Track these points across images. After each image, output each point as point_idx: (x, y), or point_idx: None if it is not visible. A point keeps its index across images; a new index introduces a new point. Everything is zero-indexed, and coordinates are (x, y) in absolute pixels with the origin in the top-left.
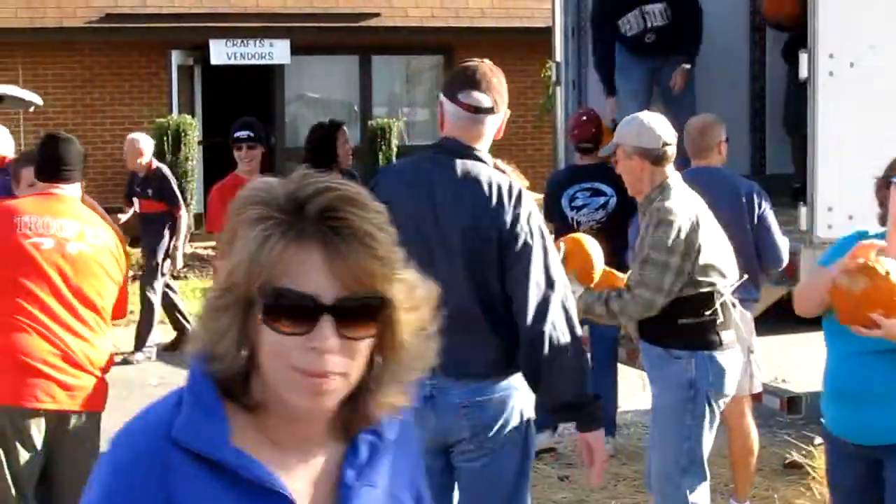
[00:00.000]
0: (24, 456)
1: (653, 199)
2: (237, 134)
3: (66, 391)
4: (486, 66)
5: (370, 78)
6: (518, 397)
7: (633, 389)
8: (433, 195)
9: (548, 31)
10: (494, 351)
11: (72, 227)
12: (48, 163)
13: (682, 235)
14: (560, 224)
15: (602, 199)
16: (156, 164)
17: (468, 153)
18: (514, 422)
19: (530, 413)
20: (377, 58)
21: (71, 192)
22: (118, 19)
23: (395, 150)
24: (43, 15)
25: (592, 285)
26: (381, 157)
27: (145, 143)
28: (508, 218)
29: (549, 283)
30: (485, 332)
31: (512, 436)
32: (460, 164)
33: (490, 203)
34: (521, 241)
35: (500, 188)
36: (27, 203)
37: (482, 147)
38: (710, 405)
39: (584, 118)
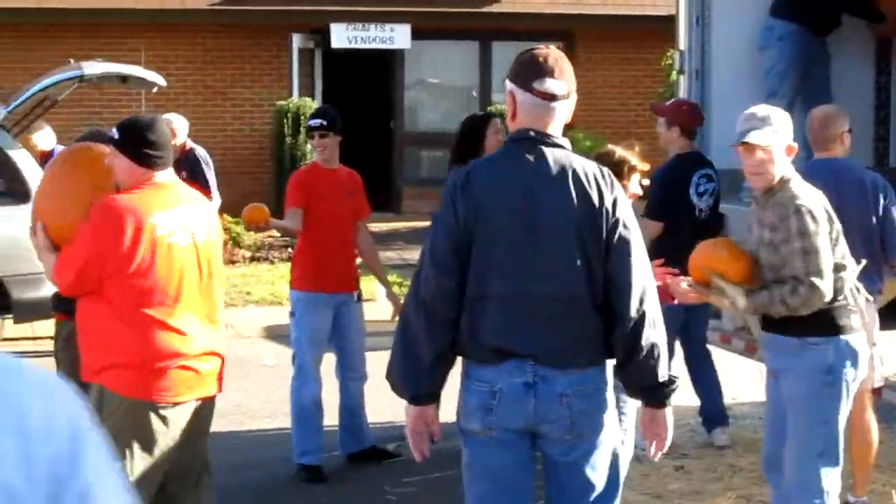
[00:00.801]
0: (167, 447)
1: (777, 191)
2: (310, 122)
3: (207, 378)
4: (556, 53)
5: (490, 64)
6: (610, 387)
7: (749, 381)
8: (532, 186)
9: (667, 20)
10: (598, 338)
11: (193, 216)
12: (154, 148)
13: (823, 221)
14: (683, 214)
15: (714, 185)
16: (190, 145)
17: (550, 142)
18: (610, 410)
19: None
20: (497, 44)
21: (173, 176)
22: (240, 2)
23: None
24: None
25: (745, 283)
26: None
27: (179, 124)
28: (609, 203)
29: (647, 267)
30: (591, 319)
31: (607, 424)
32: (549, 153)
33: (591, 189)
34: (621, 225)
35: (595, 175)
36: (147, 199)
37: (557, 133)
38: (847, 390)
39: (685, 108)
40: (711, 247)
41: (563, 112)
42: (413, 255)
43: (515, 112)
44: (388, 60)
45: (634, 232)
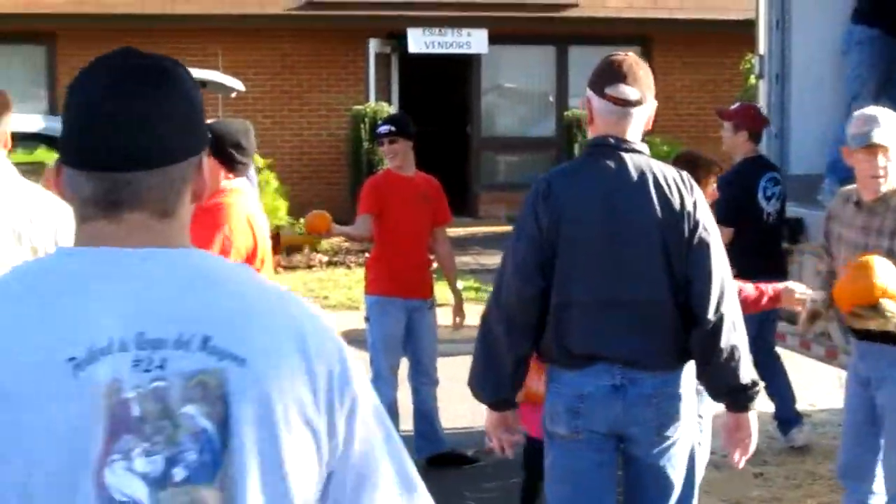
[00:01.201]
0: None
1: (892, 196)
2: (378, 129)
3: None
4: (632, 59)
5: (566, 68)
6: (692, 388)
7: (828, 388)
8: (613, 192)
9: (745, 24)
10: (681, 340)
11: (263, 220)
12: (244, 154)
13: None
14: (751, 218)
15: (780, 189)
16: None
17: (628, 147)
18: (692, 411)
19: None
20: (574, 48)
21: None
22: (317, 7)
23: None
24: (244, 2)
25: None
26: (576, 147)
27: None
28: (689, 206)
29: (726, 270)
30: (674, 322)
31: (690, 426)
32: (628, 159)
33: (671, 193)
34: (701, 229)
35: (675, 178)
36: (247, 203)
37: (635, 139)
38: None
39: (753, 112)
40: (879, 268)
41: (640, 117)
42: (490, 259)
43: (593, 118)
44: (464, 65)
45: (714, 235)
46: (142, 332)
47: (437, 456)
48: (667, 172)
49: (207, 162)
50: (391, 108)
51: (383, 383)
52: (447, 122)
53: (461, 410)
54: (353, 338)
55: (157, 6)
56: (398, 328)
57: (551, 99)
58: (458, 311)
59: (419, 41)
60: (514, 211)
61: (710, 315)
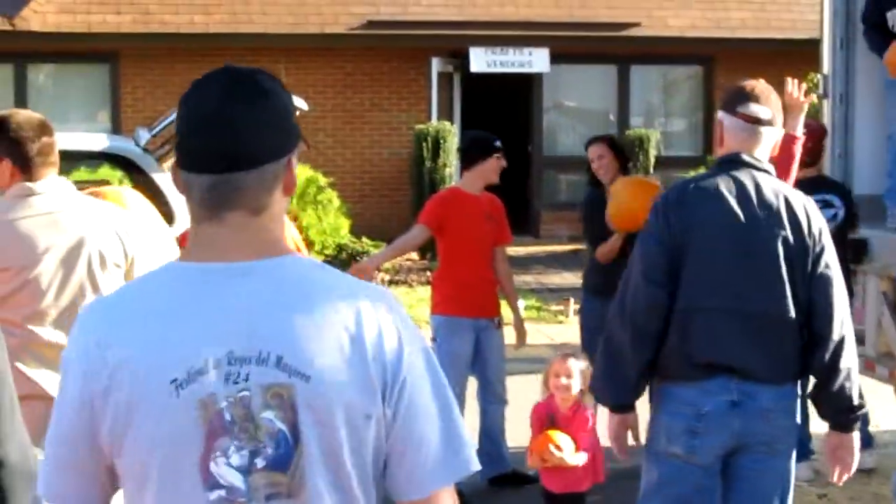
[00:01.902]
0: None
1: None
2: (495, 143)
3: None
4: (763, 83)
5: (628, 87)
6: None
7: (893, 409)
8: (746, 206)
9: (809, 43)
10: (799, 355)
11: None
12: None
13: None
14: None
15: (832, 211)
16: None
17: (759, 166)
18: (798, 424)
19: None
20: (636, 67)
21: None
22: (379, 26)
23: (652, 160)
24: (305, 21)
25: None
26: (638, 167)
27: None
28: (816, 231)
29: (841, 290)
30: (794, 338)
31: (795, 438)
32: (760, 178)
33: (801, 217)
34: (826, 250)
35: (805, 203)
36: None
37: (764, 159)
38: None
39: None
40: None
41: (770, 138)
42: (551, 279)
43: (723, 138)
44: (526, 84)
45: (835, 261)
46: (232, 351)
47: (499, 476)
48: (796, 196)
49: (295, 160)
50: (453, 127)
51: None
52: (508, 141)
53: (524, 430)
54: None
55: (221, 25)
56: (466, 348)
57: (612, 118)
58: (519, 330)
59: (481, 60)
60: (575, 230)
61: (834, 336)
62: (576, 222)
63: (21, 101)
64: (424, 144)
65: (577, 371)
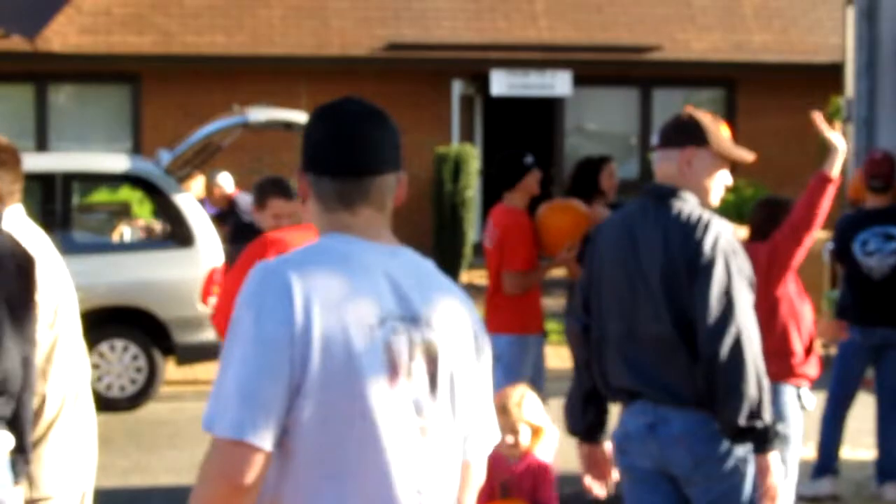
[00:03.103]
0: None
1: None
2: (528, 160)
3: None
4: (688, 113)
5: (650, 110)
6: None
7: None
8: (633, 236)
9: (832, 67)
10: (702, 381)
11: None
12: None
13: None
14: (851, 270)
15: (895, 245)
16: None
17: (667, 192)
18: (740, 452)
19: None
20: (658, 90)
21: None
22: (401, 48)
23: None
24: (327, 43)
25: None
26: None
27: (223, 180)
28: (694, 246)
29: (726, 307)
30: (688, 362)
31: (740, 467)
32: (659, 204)
33: (678, 234)
34: (702, 267)
35: (688, 219)
36: (298, 238)
37: (685, 186)
38: None
39: (878, 156)
40: None
41: (663, 161)
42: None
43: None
44: (548, 107)
45: (718, 273)
46: (393, 310)
47: None
48: (684, 214)
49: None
50: (475, 150)
51: None
52: None
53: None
54: None
55: (243, 47)
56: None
57: (634, 141)
58: None
59: (502, 83)
60: None
61: (704, 348)
62: None
63: (42, 121)
64: (445, 167)
65: (524, 419)
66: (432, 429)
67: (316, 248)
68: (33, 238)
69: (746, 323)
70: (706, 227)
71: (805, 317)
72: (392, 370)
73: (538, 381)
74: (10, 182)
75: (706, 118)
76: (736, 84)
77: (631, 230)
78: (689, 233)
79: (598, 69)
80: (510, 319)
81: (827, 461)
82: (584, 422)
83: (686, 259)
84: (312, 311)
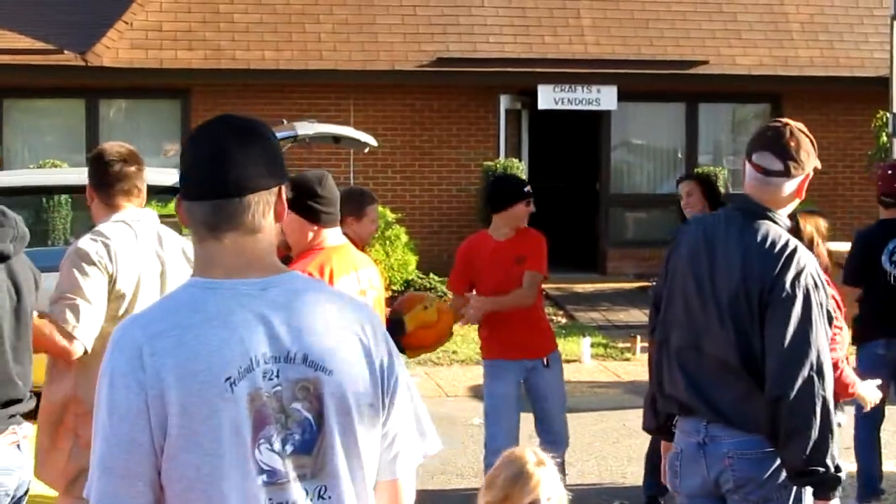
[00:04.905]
0: None
1: None
2: (526, 188)
3: None
4: (789, 129)
5: (696, 125)
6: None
7: None
8: (713, 253)
9: (878, 82)
10: (760, 407)
11: (366, 278)
12: (322, 203)
13: None
14: (871, 280)
15: None
16: None
17: (759, 212)
18: (780, 479)
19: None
20: (703, 105)
21: (342, 237)
22: (448, 63)
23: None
24: (375, 58)
25: None
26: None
27: None
28: (773, 276)
29: (801, 345)
30: (750, 388)
31: (779, 493)
32: (747, 223)
33: (757, 260)
34: (781, 300)
35: (773, 245)
36: (329, 264)
37: (777, 207)
38: None
39: (890, 171)
40: None
41: (785, 188)
42: (618, 316)
43: (744, 179)
44: (594, 121)
45: (797, 309)
46: (265, 352)
47: None
48: (770, 238)
49: (286, 192)
50: (521, 164)
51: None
52: (576, 178)
53: (589, 466)
54: (482, 392)
55: (292, 62)
56: (510, 390)
57: (680, 156)
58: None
59: (549, 97)
60: (642, 268)
61: (772, 386)
62: (642, 259)
63: (93, 135)
64: None
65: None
66: (324, 466)
67: (171, 303)
68: (166, 236)
69: (821, 363)
70: (790, 257)
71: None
72: (258, 420)
73: (545, 407)
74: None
75: (809, 138)
76: (782, 99)
77: (712, 242)
78: (770, 261)
79: (644, 84)
80: (485, 345)
81: (870, 483)
82: (658, 420)
83: (761, 287)
84: (164, 375)
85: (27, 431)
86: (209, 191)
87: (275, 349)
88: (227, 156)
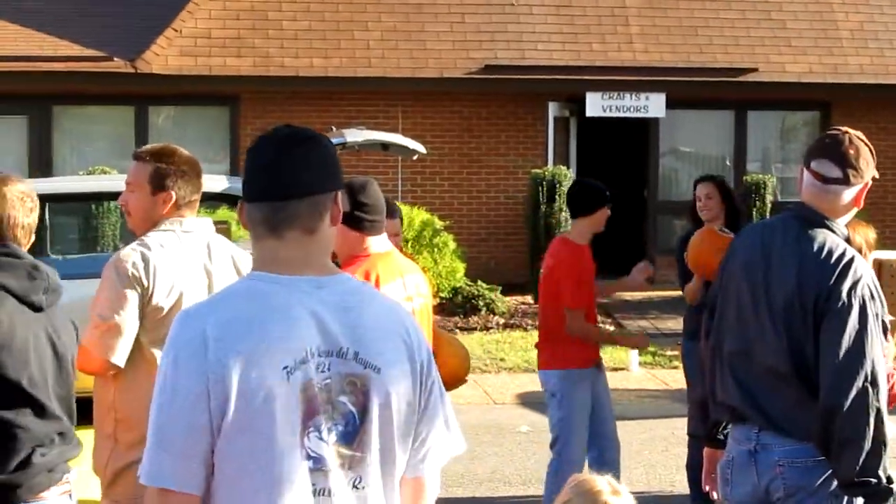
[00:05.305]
0: None
1: None
2: (607, 192)
3: None
4: (847, 137)
5: (745, 133)
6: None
7: None
8: (769, 259)
9: None
10: (811, 415)
11: (412, 285)
12: (367, 211)
13: None
14: None
15: None
16: None
17: (817, 221)
18: (831, 487)
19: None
20: (752, 113)
21: (388, 244)
22: (497, 71)
23: (768, 206)
24: (424, 65)
25: None
26: (754, 212)
27: None
28: (829, 286)
29: (856, 356)
30: (802, 396)
31: (829, 502)
32: (804, 231)
33: (813, 268)
34: (836, 310)
35: (829, 254)
36: (374, 271)
37: (835, 216)
38: None
39: None
40: None
41: (843, 195)
42: (666, 324)
43: (801, 187)
44: (642, 129)
45: (853, 320)
46: (319, 346)
47: None
48: (826, 247)
49: (342, 197)
50: (569, 172)
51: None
52: (624, 186)
53: (637, 474)
54: (529, 400)
55: (340, 69)
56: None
57: (728, 163)
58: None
59: (597, 105)
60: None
61: (825, 396)
62: None
63: (142, 142)
64: (540, 189)
65: None
66: (362, 459)
67: (236, 294)
68: (216, 246)
69: (876, 374)
70: (847, 266)
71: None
72: (309, 409)
73: (601, 412)
74: (190, 193)
75: (868, 147)
76: (831, 106)
77: (768, 250)
78: (827, 270)
79: (692, 91)
80: (557, 355)
81: None
82: (706, 426)
83: (817, 295)
84: (227, 361)
85: (74, 476)
86: (270, 192)
87: (328, 344)
88: (287, 160)
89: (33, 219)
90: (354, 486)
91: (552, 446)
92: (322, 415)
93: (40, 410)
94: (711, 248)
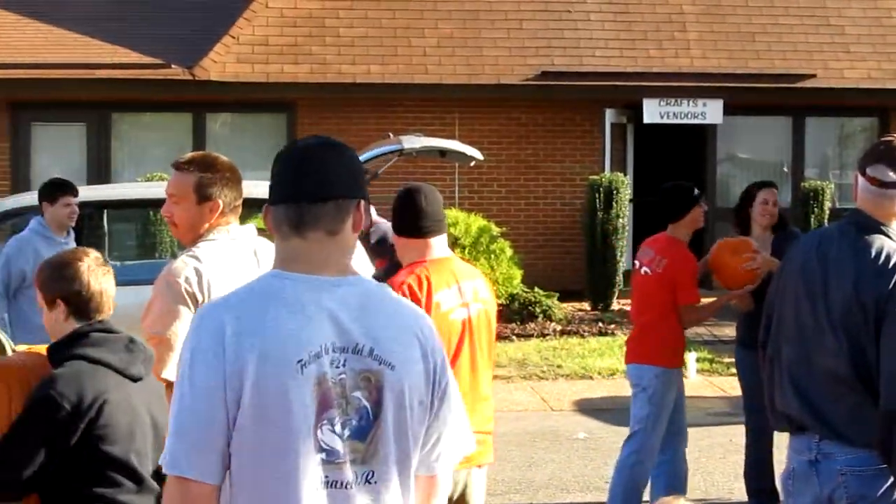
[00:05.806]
0: None
1: None
2: (696, 193)
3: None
4: None
5: (802, 139)
6: None
7: None
8: (825, 266)
9: None
10: (873, 421)
11: (470, 290)
12: (424, 216)
13: None
14: None
15: None
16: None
17: (873, 227)
18: (893, 496)
19: None
20: (810, 119)
21: (448, 249)
22: (554, 77)
23: (826, 212)
24: (480, 72)
25: None
26: (812, 219)
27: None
28: (888, 288)
29: None
30: (864, 401)
31: None
32: (860, 237)
33: (871, 273)
34: (894, 313)
35: (888, 259)
36: (432, 277)
37: (890, 221)
38: None
39: None
40: None
41: None
42: (723, 331)
43: (856, 193)
44: (699, 135)
45: None
46: (335, 342)
47: None
48: (884, 253)
49: (365, 205)
50: (626, 178)
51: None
52: None
53: (695, 482)
54: (586, 407)
55: (397, 76)
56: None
57: (787, 170)
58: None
59: (654, 111)
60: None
61: (884, 400)
62: None
63: (199, 149)
64: (597, 195)
65: None
66: (375, 453)
67: (254, 289)
68: (262, 251)
69: None
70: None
71: None
72: (323, 402)
73: (679, 416)
74: (234, 199)
75: None
76: (890, 113)
77: (825, 256)
78: (885, 276)
79: (750, 97)
80: (657, 352)
81: None
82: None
83: (875, 299)
84: (244, 354)
85: None
86: (296, 193)
87: (344, 340)
88: (317, 165)
89: (113, 284)
90: (367, 481)
91: (628, 440)
92: (336, 409)
93: (140, 483)
94: (727, 248)
